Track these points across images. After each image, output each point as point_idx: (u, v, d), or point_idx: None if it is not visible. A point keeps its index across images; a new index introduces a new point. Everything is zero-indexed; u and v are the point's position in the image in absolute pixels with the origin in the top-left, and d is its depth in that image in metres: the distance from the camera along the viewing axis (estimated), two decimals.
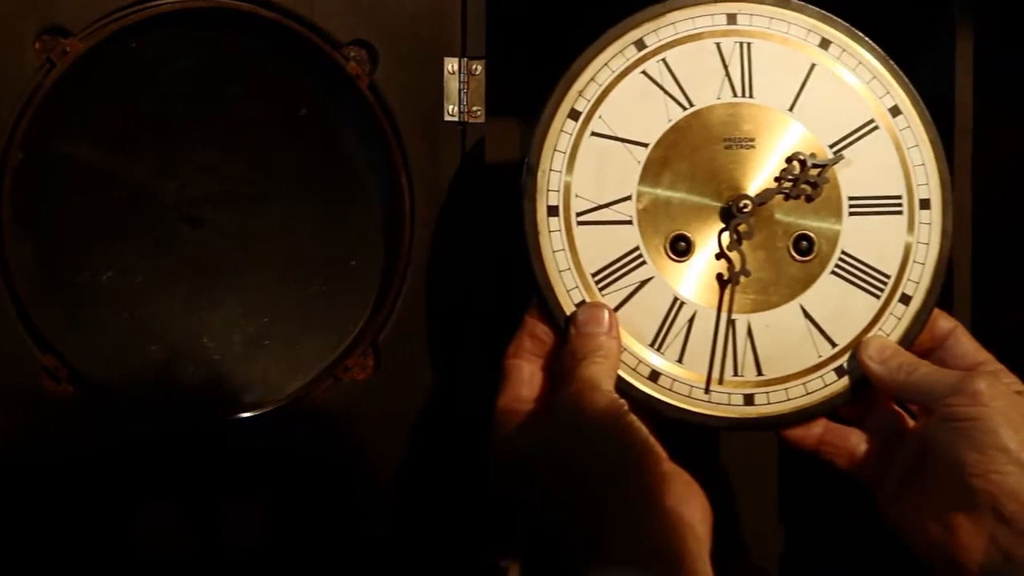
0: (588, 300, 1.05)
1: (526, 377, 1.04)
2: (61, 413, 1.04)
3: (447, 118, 1.11)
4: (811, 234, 1.07)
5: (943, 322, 1.08)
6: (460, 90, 1.10)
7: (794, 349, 1.06)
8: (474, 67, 1.11)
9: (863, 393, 1.07)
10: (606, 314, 1.03)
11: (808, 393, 1.06)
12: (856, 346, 1.06)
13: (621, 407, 0.99)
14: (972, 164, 1.18)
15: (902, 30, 1.17)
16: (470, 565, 1.12)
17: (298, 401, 1.09)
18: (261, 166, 1.09)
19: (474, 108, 1.11)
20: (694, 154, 1.06)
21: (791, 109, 1.08)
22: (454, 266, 1.11)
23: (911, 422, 1.06)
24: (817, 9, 1.09)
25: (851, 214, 1.07)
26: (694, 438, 1.24)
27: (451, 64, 1.10)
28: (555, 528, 0.99)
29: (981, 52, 1.17)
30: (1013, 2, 1.25)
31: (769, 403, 1.06)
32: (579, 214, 1.05)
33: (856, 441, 1.07)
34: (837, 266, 1.07)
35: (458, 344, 1.11)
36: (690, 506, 0.96)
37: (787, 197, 1.07)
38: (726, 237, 1.06)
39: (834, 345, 1.07)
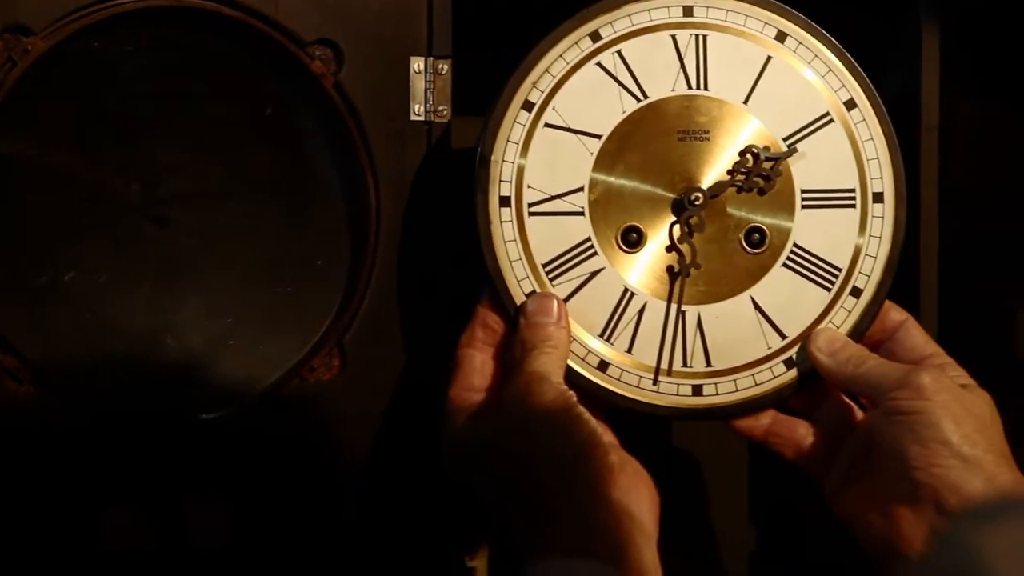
0: (538, 290, 1.06)
1: (478, 366, 1.06)
2: (23, 414, 1.04)
3: (413, 117, 1.12)
4: (763, 227, 1.08)
5: (894, 314, 1.08)
6: (426, 89, 1.12)
7: (744, 340, 1.07)
8: (440, 66, 1.12)
9: (813, 385, 1.08)
10: (555, 304, 1.05)
11: (757, 384, 1.07)
12: (806, 338, 1.07)
13: (569, 399, 1.01)
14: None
15: (872, 27, 1.18)
16: (437, 564, 1.13)
17: (263, 401, 1.09)
18: (226, 165, 1.10)
19: (440, 107, 1.12)
20: (647, 146, 1.08)
21: (746, 102, 1.09)
22: (420, 265, 1.12)
23: (860, 415, 1.07)
24: (774, 2, 1.10)
25: (804, 207, 1.08)
26: (661, 429, 1.26)
27: (417, 63, 1.12)
28: (502, 517, 1.01)
29: (947, 49, 1.17)
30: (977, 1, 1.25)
31: (718, 394, 1.07)
32: (531, 205, 1.07)
33: (804, 433, 1.07)
34: (789, 259, 1.08)
35: (425, 343, 1.12)
36: (637, 495, 0.98)
37: (740, 190, 1.08)
38: (677, 229, 1.07)
39: (784, 337, 1.07)
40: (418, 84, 1.12)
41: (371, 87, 1.11)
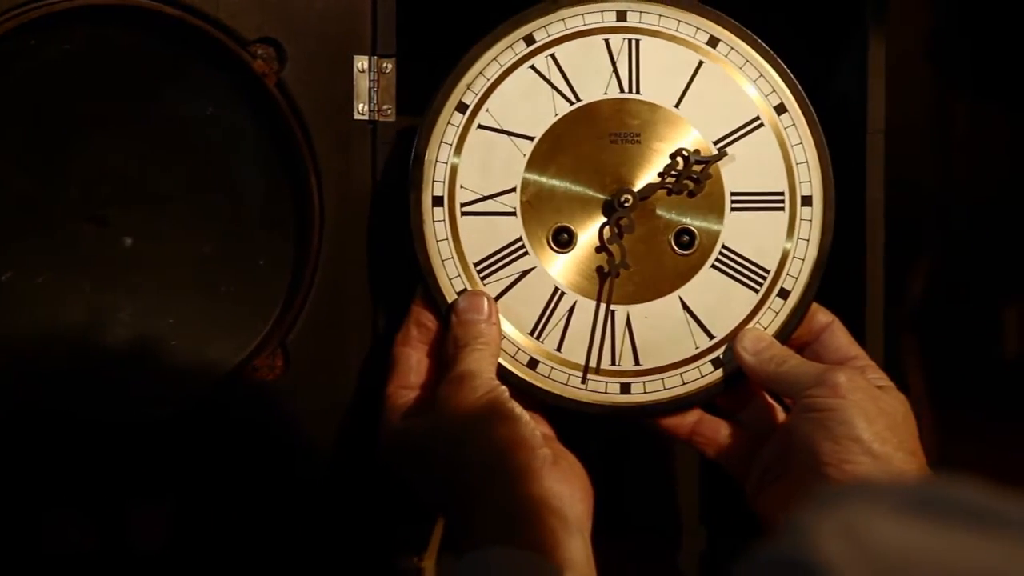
0: (470, 289, 1.09)
1: (414, 364, 1.09)
2: None
3: (357, 117, 1.13)
4: (693, 228, 1.10)
5: (821, 316, 1.10)
6: (370, 88, 1.13)
7: (672, 340, 1.09)
8: (384, 65, 1.13)
9: (740, 386, 1.10)
10: (486, 302, 1.07)
11: (685, 383, 1.09)
12: (733, 338, 1.09)
13: (499, 395, 1.03)
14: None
15: (822, 31, 1.19)
16: (385, 563, 1.14)
17: (205, 402, 1.10)
18: (167, 165, 1.11)
19: (384, 107, 1.13)
20: (580, 148, 1.10)
21: (677, 105, 1.10)
22: (364, 265, 1.12)
23: (782, 416, 1.09)
24: (707, 8, 1.11)
25: (733, 209, 1.10)
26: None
27: (361, 62, 1.13)
28: (439, 512, 1.03)
29: (893, 52, 1.18)
30: (923, 4, 1.26)
31: (645, 392, 1.09)
32: (464, 205, 1.09)
33: (726, 433, 1.09)
34: (717, 260, 1.10)
35: (369, 343, 1.13)
36: (570, 488, 1.00)
37: (670, 192, 1.10)
38: (607, 231, 1.09)
39: (712, 337, 1.09)
40: (362, 83, 1.13)
41: (314, 86, 1.12)
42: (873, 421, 1.01)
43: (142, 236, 1.11)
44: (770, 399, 1.10)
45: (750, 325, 1.09)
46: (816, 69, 1.17)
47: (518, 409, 1.03)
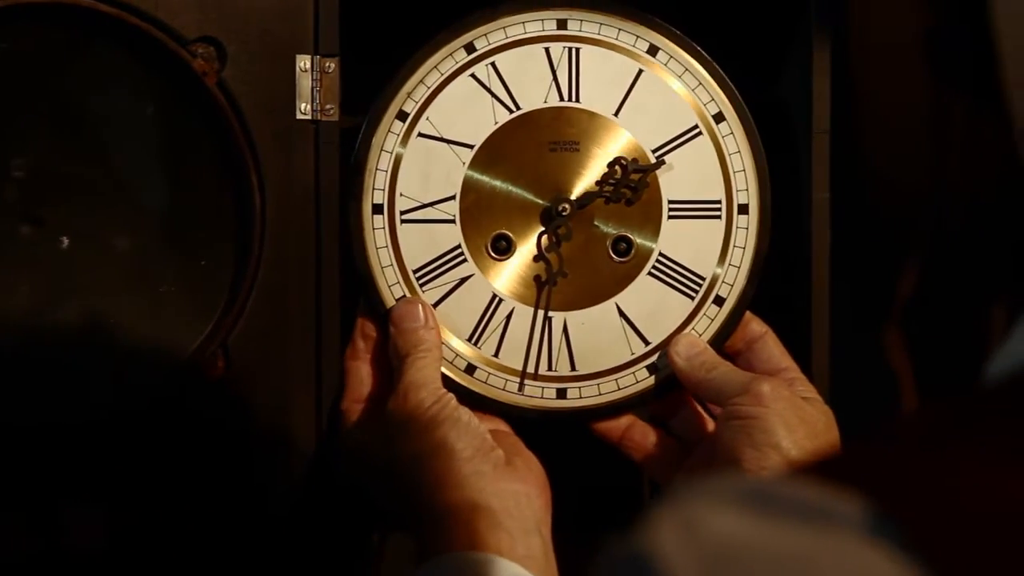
0: (409, 296, 1.10)
1: (364, 377, 1.11)
2: None
3: (299, 116, 1.12)
4: (630, 236, 1.11)
5: (755, 326, 1.12)
6: (313, 88, 1.13)
7: (608, 346, 1.11)
8: (327, 65, 1.13)
9: (674, 393, 1.12)
10: (420, 308, 1.09)
11: (620, 388, 1.11)
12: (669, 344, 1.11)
13: (444, 405, 1.05)
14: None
15: (768, 37, 1.19)
16: (339, 541, 1.16)
17: (146, 403, 1.10)
18: (106, 165, 1.11)
19: (327, 106, 1.13)
20: (519, 156, 1.11)
21: (617, 114, 1.11)
22: (307, 265, 1.13)
23: (712, 426, 1.11)
24: (647, 15, 1.12)
25: (670, 217, 1.11)
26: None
27: (303, 61, 1.13)
28: (400, 521, 1.07)
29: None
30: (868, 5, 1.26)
31: (581, 397, 1.11)
32: (403, 212, 1.11)
33: (655, 439, 1.12)
34: (654, 267, 1.11)
35: (312, 343, 1.13)
36: (525, 485, 1.04)
37: (608, 200, 1.11)
38: (545, 239, 1.11)
39: (647, 343, 1.11)
40: (304, 82, 1.13)
41: (256, 85, 1.12)
42: (793, 430, 1.03)
43: (80, 236, 1.11)
44: (700, 409, 1.12)
45: (685, 331, 1.11)
46: (766, 72, 1.18)
47: (466, 416, 1.05)
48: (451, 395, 1.06)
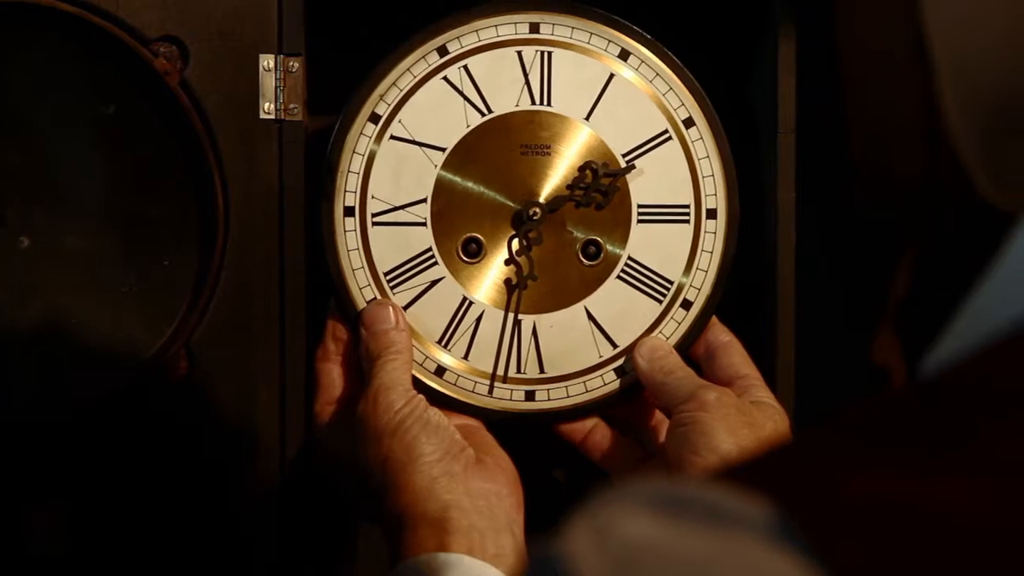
0: (379, 298, 1.10)
1: (336, 379, 1.11)
2: None
3: (263, 116, 1.12)
4: (599, 240, 1.12)
5: (721, 335, 1.13)
6: (277, 87, 1.12)
7: (576, 349, 1.12)
8: (291, 64, 1.12)
9: (641, 395, 1.13)
10: (391, 310, 1.09)
11: (588, 391, 1.12)
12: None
13: (417, 406, 1.05)
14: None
15: (737, 40, 1.20)
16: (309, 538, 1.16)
17: (108, 404, 1.10)
18: (68, 164, 1.10)
19: (292, 106, 1.12)
20: (491, 159, 1.11)
21: (588, 118, 1.12)
22: (271, 266, 1.12)
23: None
24: (619, 20, 1.12)
25: (640, 222, 1.12)
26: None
27: (267, 61, 1.12)
28: (374, 522, 1.07)
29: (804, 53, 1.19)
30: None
31: (549, 399, 1.12)
32: (375, 215, 1.10)
33: (615, 444, 1.12)
34: (623, 271, 1.12)
35: (276, 343, 1.12)
36: (495, 484, 1.04)
37: (578, 204, 1.11)
38: (516, 243, 1.11)
39: (615, 346, 1.12)
40: (268, 82, 1.12)
41: (219, 85, 1.11)
42: (736, 433, 1.03)
43: (42, 236, 1.10)
44: (663, 415, 1.13)
45: (653, 335, 1.12)
46: (736, 76, 1.19)
47: (436, 418, 1.05)
48: (421, 397, 1.06)
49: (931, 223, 1.25)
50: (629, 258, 1.12)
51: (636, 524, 0.43)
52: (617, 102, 1.12)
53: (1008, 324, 0.47)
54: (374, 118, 1.10)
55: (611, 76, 1.12)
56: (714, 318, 1.13)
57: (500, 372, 1.11)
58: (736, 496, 0.43)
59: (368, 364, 1.08)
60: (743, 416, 1.05)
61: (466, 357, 1.11)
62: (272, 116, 1.12)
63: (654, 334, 1.12)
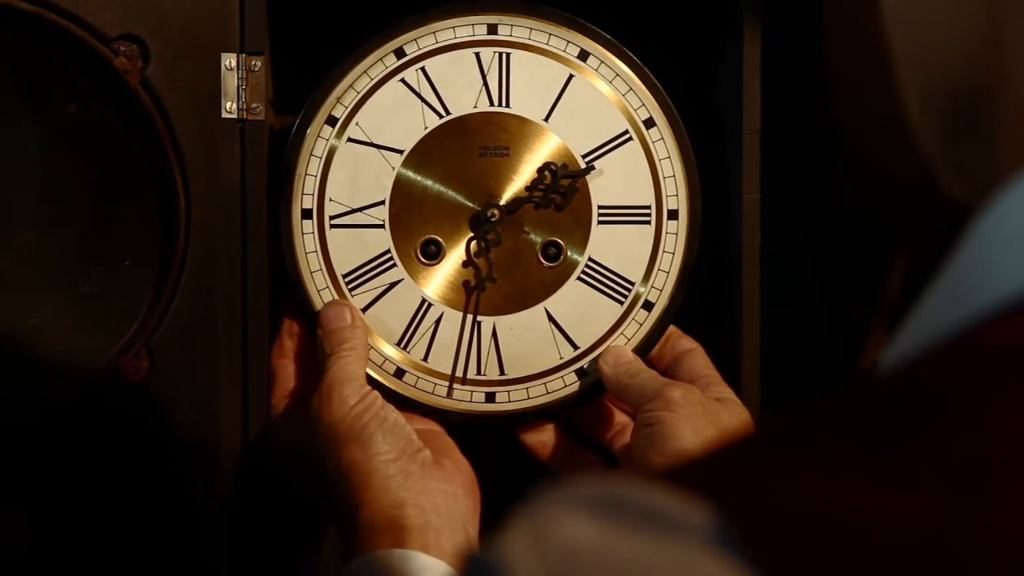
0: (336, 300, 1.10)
1: (291, 375, 1.11)
2: None
3: (225, 115, 1.11)
4: (560, 241, 1.11)
5: (684, 342, 1.12)
6: (239, 87, 1.12)
7: (537, 350, 1.12)
8: (254, 63, 1.11)
9: (603, 401, 1.12)
10: (346, 309, 1.09)
11: (549, 392, 1.12)
12: (599, 352, 1.12)
13: (372, 403, 1.05)
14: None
15: (702, 41, 1.19)
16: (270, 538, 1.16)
17: (69, 405, 1.10)
18: (28, 163, 1.10)
19: (254, 105, 1.11)
20: (449, 161, 1.10)
21: (547, 119, 1.11)
22: (234, 265, 1.12)
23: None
24: (578, 20, 1.11)
25: (600, 223, 1.12)
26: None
27: (229, 60, 1.12)
28: (330, 519, 1.07)
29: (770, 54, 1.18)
30: (798, 4, 1.26)
31: (510, 401, 1.12)
32: (333, 217, 1.10)
33: (582, 461, 1.12)
34: (584, 272, 1.12)
35: (239, 343, 1.12)
36: (452, 485, 1.04)
37: (538, 206, 1.11)
38: (474, 244, 1.11)
39: (576, 348, 1.12)
40: (230, 81, 1.12)
41: (180, 84, 1.11)
42: (701, 431, 1.02)
43: (1, 235, 1.10)
44: (622, 418, 1.12)
45: (614, 336, 1.12)
46: (700, 77, 1.18)
47: (392, 415, 1.05)
48: (376, 393, 1.06)
49: (929, 222, 1.23)
50: (590, 259, 1.12)
51: (574, 526, 0.43)
52: (576, 103, 1.11)
53: (958, 324, 0.46)
54: (331, 120, 1.10)
55: (570, 77, 1.11)
56: (675, 328, 1.13)
57: (460, 374, 1.11)
58: (677, 498, 0.42)
59: (322, 361, 1.08)
60: (708, 415, 1.04)
61: (425, 359, 1.11)
62: (234, 116, 1.12)
63: (616, 335, 1.12)
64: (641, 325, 1.12)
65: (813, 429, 0.45)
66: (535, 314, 1.12)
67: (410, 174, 1.10)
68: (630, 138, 1.12)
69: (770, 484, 0.43)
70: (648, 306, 1.12)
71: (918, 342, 0.48)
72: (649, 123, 1.12)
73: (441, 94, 1.10)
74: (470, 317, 1.11)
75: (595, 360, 1.11)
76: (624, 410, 1.13)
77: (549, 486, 0.45)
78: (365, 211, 1.10)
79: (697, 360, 1.11)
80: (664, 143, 1.12)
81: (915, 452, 0.43)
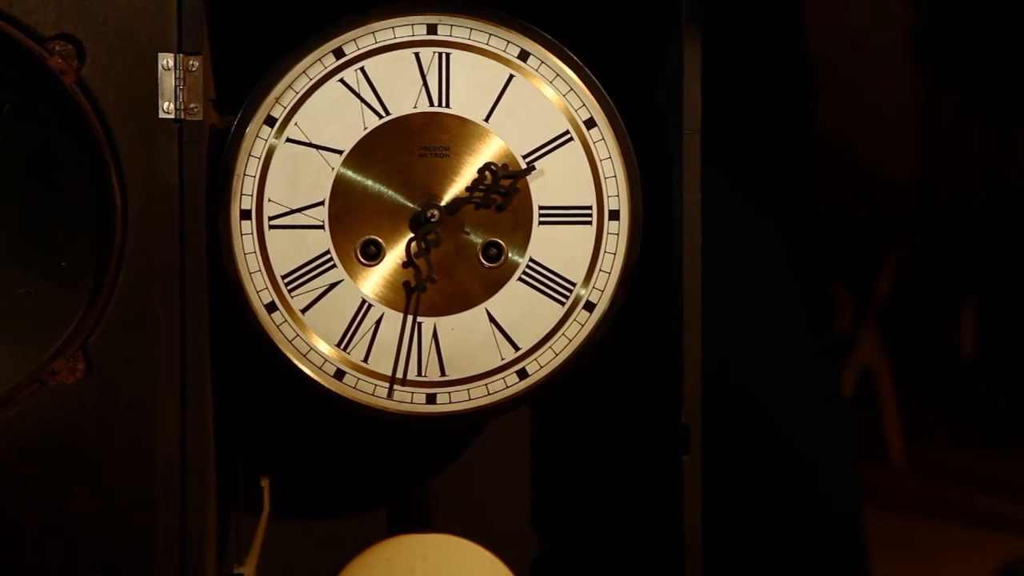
0: (277, 301, 1.09)
1: None
2: None
3: (162, 115, 1.10)
4: (500, 242, 1.11)
5: None
6: (176, 87, 1.11)
7: (478, 352, 1.11)
8: (191, 63, 1.10)
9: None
10: None
11: (490, 393, 1.12)
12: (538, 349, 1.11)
13: None
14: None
15: (644, 38, 1.19)
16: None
17: (3, 407, 1.09)
18: None
19: (192, 105, 1.10)
20: (389, 162, 1.10)
21: (487, 119, 1.10)
22: (171, 266, 1.11)
23: None
24: (518, 20, 1.11)
25: (541, 223, 1.11)
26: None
27: (166, 60, 1.11)
28: None
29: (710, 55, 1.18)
30: (738, 7, 1.26)
31: (451, 402, 1.11)
32: (272, 218, 1.09)
33: None
34: (525, 273, 1.11)
35: (176, 343, 1.12)
36: None
37: (478, 206, 1.11)
38: (415, 245, 1.10)
39: (518, 349, 1.12)
40: (167, 81, 1.11)
41: (116, 84, 1.10)
42: None
43: None
44: None
45: (556, 337, 1.12)
46: (643, 76, 1.18)
47: None
48: None
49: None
50: (531, 260, 1.11)
51: None
52: (517, 103, 1.11)
53: None
54: (270, 121, 1.09)
55: (511, 77, 1.11)
56: None
57: (400, 375, 1.11)
58: None
59: None
60: None
61: (366, 360, 1.11)
62: (172, 116, 1.11)
63: (557, 336, 1.12)
64: (583, 326, 1.12)
65: None
66: (476, 315, 1.11)
67: (350, 174, 1.10)
68: (571, 138, 1.11)
69: None
70: (590, 307, 1.12)
71: None
72: (590, 123, 1.12)
73: (381, 94, 1.10)
74: (410, 318, 1.10)
75: (537, 359, 1.11)
76: None
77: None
78: (304, 212, 1.10)
79: None
80: (605, 143, 1.12)
81: None
